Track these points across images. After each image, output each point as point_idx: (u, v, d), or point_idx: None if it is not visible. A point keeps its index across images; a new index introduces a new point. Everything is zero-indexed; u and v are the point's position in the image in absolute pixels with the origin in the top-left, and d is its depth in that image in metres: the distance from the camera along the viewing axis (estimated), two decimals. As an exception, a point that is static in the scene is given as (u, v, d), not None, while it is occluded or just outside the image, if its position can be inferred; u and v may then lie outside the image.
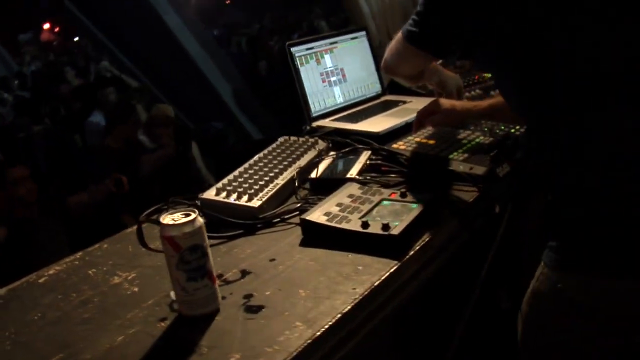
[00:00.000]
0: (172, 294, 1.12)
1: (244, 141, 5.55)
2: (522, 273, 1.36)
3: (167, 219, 1.05)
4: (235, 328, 1.02)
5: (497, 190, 1.50)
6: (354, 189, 1.45)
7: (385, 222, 1.24)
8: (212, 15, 15.38)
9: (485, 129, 1.77)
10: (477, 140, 1.70)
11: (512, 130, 1.75)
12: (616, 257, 1.14)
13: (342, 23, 7.02)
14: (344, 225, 1.28)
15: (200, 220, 1.05)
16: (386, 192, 1.43)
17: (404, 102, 2.12)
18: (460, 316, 1.48)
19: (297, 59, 1.98)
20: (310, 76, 2.01)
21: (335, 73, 2.10)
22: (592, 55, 1.13)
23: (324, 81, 2.06)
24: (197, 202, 1.50)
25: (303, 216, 1.34)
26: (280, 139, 1.82)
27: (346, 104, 2.13)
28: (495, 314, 1.62)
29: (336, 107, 2.09)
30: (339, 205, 1.37)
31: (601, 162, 1.14)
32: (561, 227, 1.21)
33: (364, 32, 2.24)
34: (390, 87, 2.29)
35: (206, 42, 7.76)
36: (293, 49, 1.98)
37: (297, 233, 1.36)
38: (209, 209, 1.44)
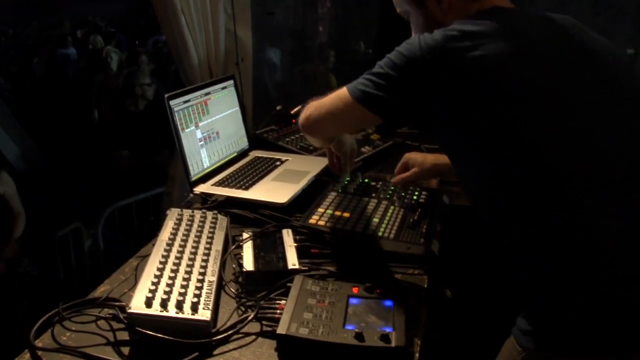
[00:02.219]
0: None
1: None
2: None
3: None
4: None
5: (439, 270, 1.46)
6: (309, 284, 1.27)
7: (379, 330, 1.11)
8: None
9: (388, 196, 1.73)
10: (390, 211, 1.64)
11: (415, 197, 1.74)
12: (595, 339, 1.17)
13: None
14: (333, 339, 1.10)
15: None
16: (346, 286, 1.28)
17: (280, 161, 1.97)
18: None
19: (176, 114, 1.69)
20: (189, 136, 1.74)
21: (211, 131, 1.85)
22: (568, 151, 1.15)
23: (200, 141, 1.80)
24: (121, 316, 1.16)
25: (279, 330, 1.12)
26: (173, 215, 1.52)
27: (220, 162, 1.89)
28: None
29: (212, 168, 1.84)
30: (309, 309, 1.18)
31: (576, 251, 1.14)
32: (538, 312, 1.21)
33: (232, 81, 2.03)
34: (253, 140, 2.13)
35: None
36: (172, 102, 1.68)
37: (263, 347, 1.14)
38: (141, 325, 1.12)
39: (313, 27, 4.28)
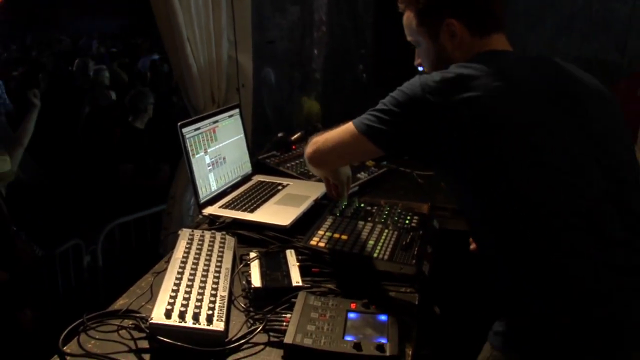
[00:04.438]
0: None
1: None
2: None
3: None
4: None
5: (429, 289, 1.59)
6: (311, 300, 1.40)
7: (375, 341, 1.24)
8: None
9: (383, 220, 1.87)
10: (385, 234, 1.78)
11: (407, 221, 1.87)
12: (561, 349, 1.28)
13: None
14: (334, 348, 1.23)
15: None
16: (345, 301, 1.41)
17: (282, 185, 2.10)
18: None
19: (188, 140, 1.83)
20: (199, 162, 1.88)
21: (219, 157, 2.00)
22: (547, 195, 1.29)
23: (209, 165, 1.94)
24: (143, 326, 1.28)
25: (286, 340, 1.24)
26: (185, 235, 1.65)
27: (226, 186, 2.03)
28: None
29: (219, 191, 1.98)
30: (312, 322, 1.31)
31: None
32: (512, 319, 1.35)
33: (237, 110, 2.17)
34: (255, 165, 2.27)
35: None
36: (184, 129, 1.82)
37: (271, 355, 1.26)
38: (161, 335, 1.24)
39: (309, 54, 4.44)
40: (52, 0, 14.87)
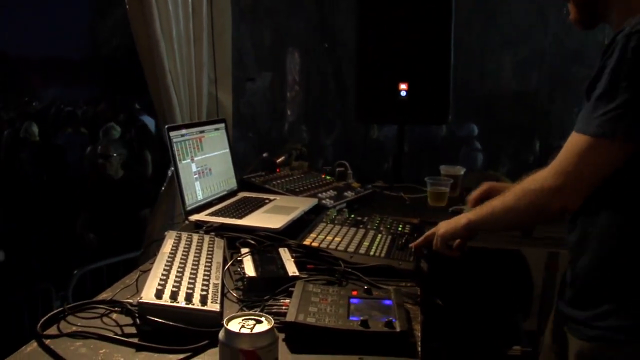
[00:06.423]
0: None
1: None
2: None
3: (235, 324, 0.81)
4: None
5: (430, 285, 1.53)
6: (310, 288, 1.32)
7: (382, 320, 1.16)
8: None
9: (375, 227, 1.82)
10: (379, 237, 1.72)
11: (400, 228, 1.83)
12: None
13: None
14: (341, 326, 1.15)
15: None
16: (346, 289, 1.34)
17: (269, 200, 2.04)
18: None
19: (175, 145, 1.78)
20: (185, 168, 1.82)
21: (205, 167, 1.94)
22: None
23: (195, 174, 1.88)
24: (130, 307, 1.18)
25: (288, 318, 1.16)
26: (171, 235, 1.56)
27: (212, 198, 1.96)
28: None
29: (205, 201, 1.91)
30: (313, 305, 1.23)
31: None
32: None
33: (223, 124, 2.13)
34: (241, 184, 2.21)
35: None
36: (171, 133, 1.77)
37: (271, 339, 1.17)
38: (151, 314, 1.14)
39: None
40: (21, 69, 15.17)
